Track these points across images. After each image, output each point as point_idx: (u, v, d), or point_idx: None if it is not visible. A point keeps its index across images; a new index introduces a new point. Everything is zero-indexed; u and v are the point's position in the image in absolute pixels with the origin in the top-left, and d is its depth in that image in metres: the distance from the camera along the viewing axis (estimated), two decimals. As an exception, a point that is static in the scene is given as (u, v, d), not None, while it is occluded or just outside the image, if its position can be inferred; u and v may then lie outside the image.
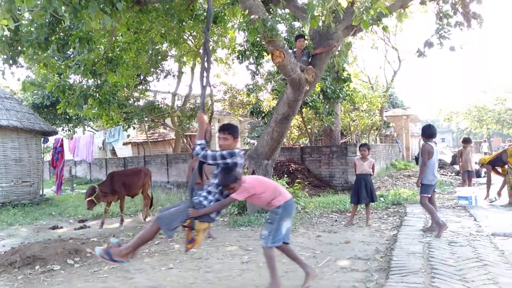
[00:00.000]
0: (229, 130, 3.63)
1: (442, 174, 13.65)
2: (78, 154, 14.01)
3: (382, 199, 8.55)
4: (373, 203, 6.96)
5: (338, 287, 3.65)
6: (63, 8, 4.57)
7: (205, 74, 4.13)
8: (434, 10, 8.15)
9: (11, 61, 7.59)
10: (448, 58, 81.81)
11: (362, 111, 18.31)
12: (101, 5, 4.78)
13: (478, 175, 10.98)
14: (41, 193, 11.88)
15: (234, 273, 4.27)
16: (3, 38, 6.48)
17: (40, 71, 9.40)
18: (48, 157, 20.35)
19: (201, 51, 17.01)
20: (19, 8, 4.11)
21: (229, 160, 3.45)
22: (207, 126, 3.85)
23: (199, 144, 3.55)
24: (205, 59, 4.12)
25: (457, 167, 14.29)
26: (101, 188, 7.60)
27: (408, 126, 26.78)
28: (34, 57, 7.87)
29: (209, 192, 3.56)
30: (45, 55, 7.89)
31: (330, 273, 4.09)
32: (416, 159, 6.51)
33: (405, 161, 22.27)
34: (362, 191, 6.43)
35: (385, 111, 23.91)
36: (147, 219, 8.00)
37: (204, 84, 4.10)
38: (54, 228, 7.62)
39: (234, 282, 3.95)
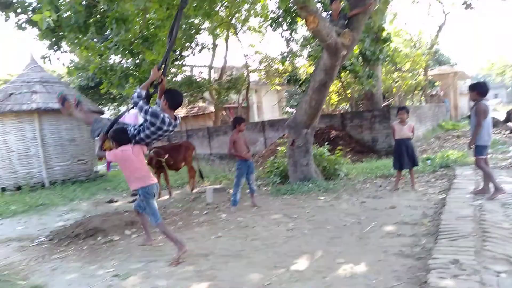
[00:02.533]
0: (166, 95, 4.01)
1: (495, 133, 12.86)
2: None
3: (428, 162, 8.28)
4: (417, 167, 6.77)
5: (385, 252, 3.67)
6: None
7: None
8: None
9: (55, 47, 8.01)
10: (499, 7, 74.55)
11: (404, 71, 17.44)
12: None
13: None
14: (95, 169, 12.69)
15: (280, 240, 4.41)
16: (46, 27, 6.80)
17: (82, 54, 9.75)
18: (97, 136, 21.52)
19: (234, 21, 16.82)
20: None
21: (148, 117, 3.87)
22: (161, 83, 4.28)
23: (138, 92, 4.07)
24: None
25: (511, 124, 13.40)
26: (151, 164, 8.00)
27: (455, 84, 25.21)
28: (75, 41, 8.19)
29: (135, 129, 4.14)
30: (85, 38, 8.19)
31: (376, 238, 4.11)
32: (469, 117, 6.14)
33: (453, 121, 21.18)
34: (403, 156, 6.27)
35: (430, 70, 22.60)
36: (194, 190, 8.35)
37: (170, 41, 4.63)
38: (110, 202, 8.18)
39: (281, 248, 4.09)
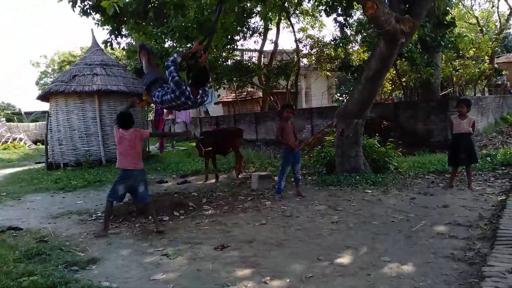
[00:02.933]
0: (191, 73, 4.43)
1: None
2: (178, 117, 15.20)
3: (488, 159, 7.74)
4: (475, 164, 6.35)
5: (435, 254, 3.52)
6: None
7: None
8: None
9: (116, 32, 8.39)
10: None
11: (468, 58, 16.22)
12: None
13: None
14: (147, 150, 13.33)
15: (324, 232, 4.38)
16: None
17: (140, 38, 10.14)
18: (150, 117, 22.47)
19: (286, 4, 16.53)
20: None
21: (171, 84, 4.17)
22: (200, 57, 4.59)
23: (174, 58, 4.34)
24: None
25: None
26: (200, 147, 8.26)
27: (526, 74, 23.04)
28: (135, 27, 8.52)
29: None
30: (143, 24, 8.49)
31: (426, 238, 3.94)
32: None
33: (520, 114, 19.45)
34: (460, 152, 5.89)
35: (497, 57, 20.83)
36: (240, 176, 8.50)
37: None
38: (160, 182, 8.58)
39: (324, 241, 4.07)
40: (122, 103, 12.11)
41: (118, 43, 8.56)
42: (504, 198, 5.09)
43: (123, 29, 8.66)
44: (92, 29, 13.85)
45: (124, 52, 12.79)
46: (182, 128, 23.05)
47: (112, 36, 8.13)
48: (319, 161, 8.12)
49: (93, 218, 5.66)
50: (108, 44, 8.17)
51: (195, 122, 21.33)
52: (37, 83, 39.68)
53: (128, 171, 4.71)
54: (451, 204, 5.09)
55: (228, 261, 3.68)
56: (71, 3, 7.06)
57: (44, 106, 14.81)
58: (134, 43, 13.51)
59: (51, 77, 36.03)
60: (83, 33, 77.83)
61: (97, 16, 7.61)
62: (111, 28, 8.06)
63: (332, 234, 4.31)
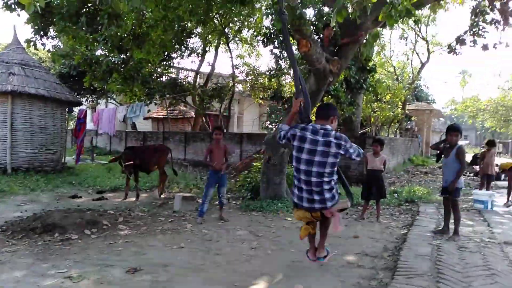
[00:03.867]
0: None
1: (461, 174, 13.39)
2: (101, 127, 14.37)
3: (395, 195, 8.51)
4: (384, 199, 6.94)
5: (343, 282, 3.72)
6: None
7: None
8: (470, 6, 7.83)
9: (42, 32, 7.80)
10: (479, 54, 78.49)
11: (384, 102, 17.96)
12: None
13: (497, 178, 10.73)
14: (63, 161, 12.30)
15: (242, 258, 4.39)
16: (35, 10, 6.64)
17: (69, 42, 9.55)
18: (70, 126, 20.92)
19: (227, 30, 16.91)
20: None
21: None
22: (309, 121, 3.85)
23: (282, 130, 3.80)
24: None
25: (477, 167, 13.96)
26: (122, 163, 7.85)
27: (430, 121, 26.18)
28: (64, 29, 8.02)
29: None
30: (74, 27, 8.03)
31: (336, 267, 4.16)
32: (437, 156, 6.28)
33: (423, 156, 21.88)
34: (372, 187, 6.42)
35: (408, 104, 23.38)
36: (162, 196, 8.22)
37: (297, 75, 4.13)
38: (74, 197, 7.93)
39: (241, 267, 4.07)
40: (40, 107, 11.14)
41: (43, 44, 7.96)
42: (406, 232, 5.61)
43: (51, 30, 8.10)
44: (14, 25, 12.73)
45: (49, 54, 11.89)
46: (105, 140, 21.79)
47: (37, 35, 7.55)
48: (244, 186, 8.21)
49: (-14, 233, 4.99)
50: (32, 43, 7.54)
51: (120, 136, 20.30)
52: None
53: None
54: (361, 235, 5.46)
55: (139, 286, 3.48)
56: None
57: None
58: (62, 46, 12.68)
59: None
60: (3, 28, 70.73)
61: (23, 12, 7.03)
62: (37, 27, 7.49)
63: (250, 260, 4.33)
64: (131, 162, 7.66)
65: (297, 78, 4.11)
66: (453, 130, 5.32)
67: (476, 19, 7.65)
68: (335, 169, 3.56)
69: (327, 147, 3.42)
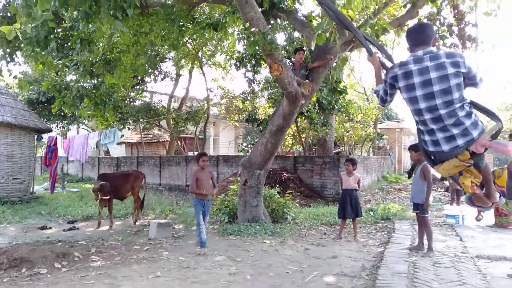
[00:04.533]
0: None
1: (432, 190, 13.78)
2: (72, 154, 13.97)
3: (371, 213, 8.64)
4: (360, 218, 7.03)
5: (323, 305, 3.70)
6: (74, 12, 4.60)
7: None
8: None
9: (8, 58, 7.61)
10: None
11: (356, 122, 18.47)
12: (112, 11, 4.80)
13: (467, 192, 11.11)
14: (31, 190, 11.79)
15: (220, 285, 4.30)
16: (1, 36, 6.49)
17: (37, 68, 9.35)
18: (40, 153, 20.22)
19: (200, 54, 17.07)
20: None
21: None
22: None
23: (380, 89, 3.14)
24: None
25: (447, 183, 14.43)
26: (95, 191, 7.62)
27: (401, 139, 27.00)
28: (32, 55, 7.86)
29: None
30: (43, 53, 7.89)
31: (316, 289, 4.14)
32: (409, 173, 6.50)
33: (396, 174, 22.44)
34: (347, 206, 6.50)
35: (379, 123, 24.12)
36: (137, 223, 8.00)
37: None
38: (43, 228, 7.58)
39: (220, 295, 3.98)
40: (7, 135, 10.74)
41: (9, 70, 7.75)
42: (383, 249, 5.68)
43: (18, 55, 7.92)
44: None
45: (15, 80, 11.58)
46: (77, 167, 21.15)
47: (3, 61, 7.36)
48: (221, 210, 8.12)
49: None
50: (-2, 69, 7.34)
51: (92, 162, 19.77)
52: None
53: None
54: (339, 255, 5.48)
55: (114, 321, 3.33)
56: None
57: None
58: (30, 71, 12.40)
59: None
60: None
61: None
62: (3, 53, 7.31)
63: (229, 286, 4.25)
64: (108, 197, 7.48)
65: (361, 39, 3.54)
66: (411, 148, 5.66)
67: (437, 44, 8.10)
68: (464, 90, 2.75)
69: (442, 70, 2.69)
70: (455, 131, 2.67)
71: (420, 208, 5.49)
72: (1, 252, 5.09)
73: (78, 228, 7.64)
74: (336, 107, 12.87)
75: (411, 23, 9.39)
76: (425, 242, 5.44)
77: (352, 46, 7.75)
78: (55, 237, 6.55)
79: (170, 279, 4.47)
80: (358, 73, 26.44)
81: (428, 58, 2.76)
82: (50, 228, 7.66)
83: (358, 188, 6.66)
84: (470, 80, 2.73)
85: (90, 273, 4.65)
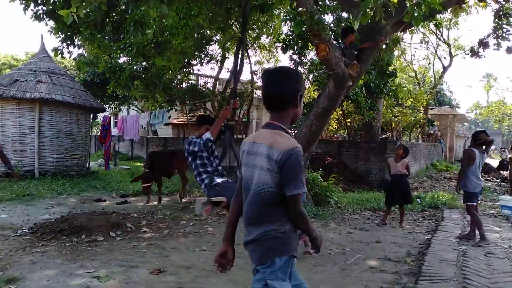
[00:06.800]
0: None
1: (486, 179, 13.01)
2: (126, 133, 14.69)
3: (418, 200, 8.35)
4: (408, 205, 6.83)
5: (366, 286, 3.69)
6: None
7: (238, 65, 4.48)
8: (493, 8, 7.67)
9: (68, 41, 8.09)
10: (504, 57, 76.28)
11: (405, 107, 17.68)
12: None
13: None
14: (87, 166, 12.65)
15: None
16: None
17: (93, 51, 9.85)
18: (95, 132, 21.49)
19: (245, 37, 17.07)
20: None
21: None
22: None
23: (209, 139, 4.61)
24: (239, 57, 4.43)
25: (504, 173, 13.55)
26: (145, 167, 8.02)
27: (454, 126, 25.57)
28: (90, 38, 8.29)
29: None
30: (99, 36, 8.30)
31: (359, 271, 4.13)
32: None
33: (447, 162, 21.37)
34: (395, 192, 6.32)
35: (431, 109, 22.93)
36: (184, 200, 8.34)
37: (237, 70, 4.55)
38: (98, 200, 8.14)
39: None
40: (66, 114, 11.52)
41: (70, 53, 8.23)
42: (429, 237, 5.51)
43: (76, 39, 8.39)
44: (42, 35, 13.25)
45: (74, 62, 12.32)
46: (127, 146, 22.27)
47: (64, 44, 7.83)
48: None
49: (17, 234, 5.19)
50: (59, 52, 7.83)
51: (141, 142, 20.70)
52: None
53: None
54: (383, 240, 5.39)
55: (164, 286, 3.55)
56: (23, 5, 6.74)
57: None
58: (86, 54, 13.11)
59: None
60: (30, 37, 73.56)
61: (51, 22, 7.31)
62: (64, 36, 7.77)
63: (271, 263, 4.34)
64: (149, 184, 7.85)
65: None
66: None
67: (500, 22, 7.47)
68: None
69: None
70: None
71: (465, 195, 5.26)
72: (63, 219, 5.55)
73: (129, 202, 8.11)
74: (385, 91, 12.40)
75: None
76: (478, 232, 5.20)
77: (405, 27, 7.39)
78: (109, 209, 7.03)
79: (215, 253, 4.64)
80: (409, 55, 25.11)
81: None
82: (104, 200, 8.21)
83: (408, 174, 6.44)
84: None
85: (141, 243, 4.96)
